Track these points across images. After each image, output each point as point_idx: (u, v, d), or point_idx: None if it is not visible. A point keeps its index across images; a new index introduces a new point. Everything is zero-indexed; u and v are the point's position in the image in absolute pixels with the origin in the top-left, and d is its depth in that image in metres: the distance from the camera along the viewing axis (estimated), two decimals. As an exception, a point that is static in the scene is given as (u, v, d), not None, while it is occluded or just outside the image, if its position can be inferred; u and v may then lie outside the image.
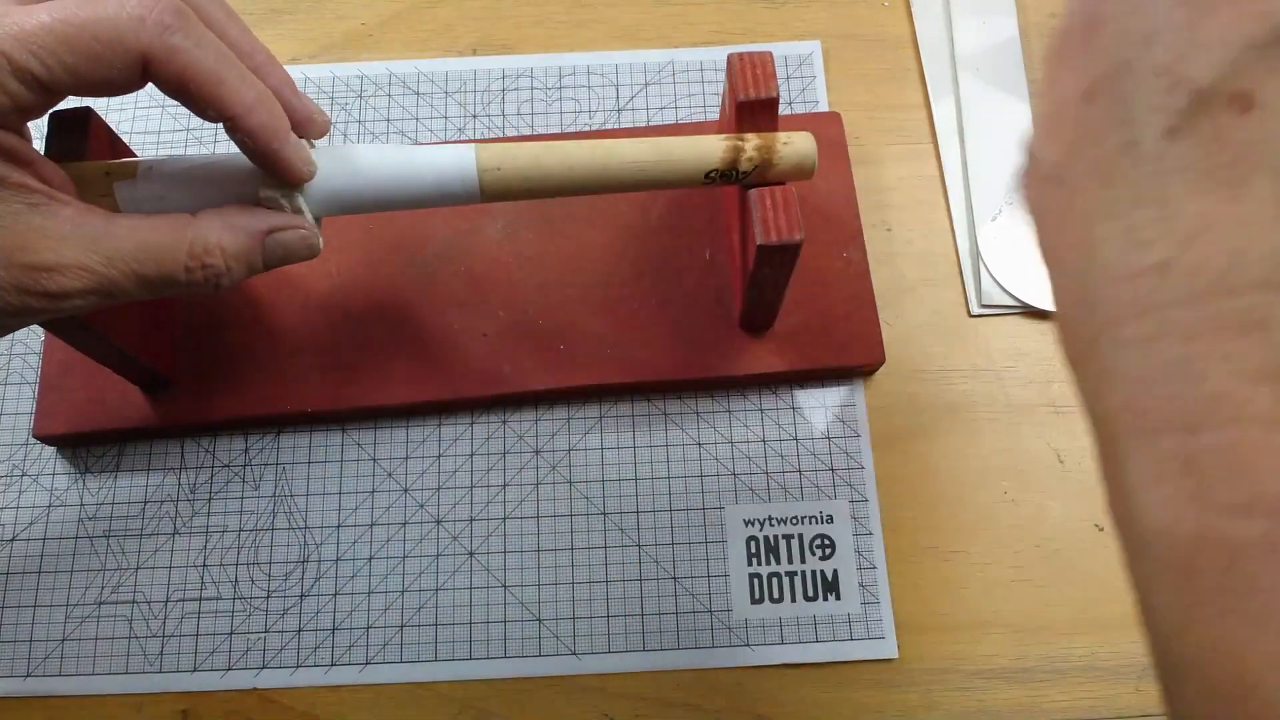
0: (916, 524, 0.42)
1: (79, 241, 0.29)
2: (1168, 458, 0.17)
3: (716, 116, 0.48)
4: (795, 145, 0.36)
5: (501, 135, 0.49)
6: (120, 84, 0.29)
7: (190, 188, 0.32)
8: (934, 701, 0.39)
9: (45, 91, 0.28)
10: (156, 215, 0.31)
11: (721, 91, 0.45)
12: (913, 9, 0.51)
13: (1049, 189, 0.20)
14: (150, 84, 0.30)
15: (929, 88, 0.49)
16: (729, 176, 0.36)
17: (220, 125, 0.31)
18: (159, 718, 0.40)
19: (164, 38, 0.28)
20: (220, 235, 0.31)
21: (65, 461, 0.43)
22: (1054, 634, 0.40)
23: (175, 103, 0.30)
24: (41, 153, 0.34)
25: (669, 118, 0.49)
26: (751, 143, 0.36)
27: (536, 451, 0.43)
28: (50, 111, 0.33)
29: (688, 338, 0.43)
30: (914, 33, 0.51)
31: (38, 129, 0.35)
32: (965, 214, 0.47)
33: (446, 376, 0.43)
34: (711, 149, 0.36)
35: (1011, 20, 0.51)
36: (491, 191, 0.35)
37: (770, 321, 0.43)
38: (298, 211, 0.33)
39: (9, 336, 0.45)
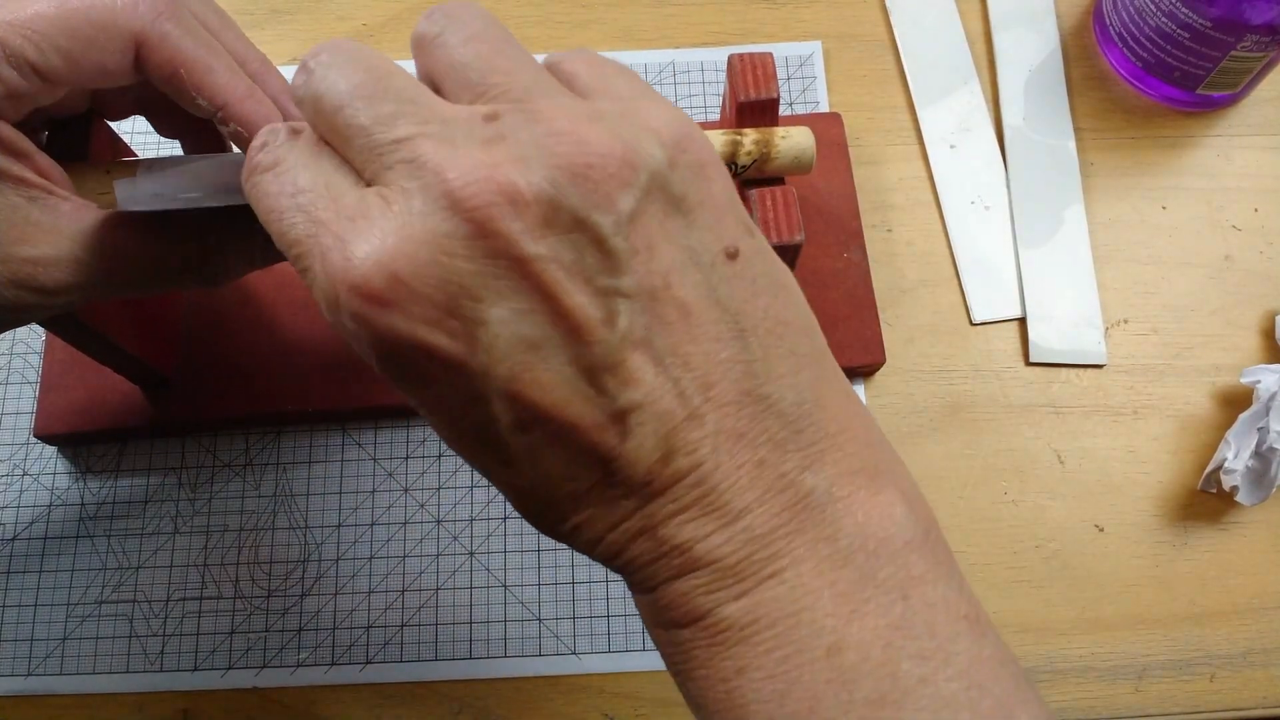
0: (916, 524, 0.42)
1: (77, 236, 0.29)
2: None
3: (717, 117, 0.48)
4: (793, 139, 0.36)
5: (502, 135, 0.48)
6: (114, 71, 0.29)
7: (189, 183, 0.32)
8: (934, 702, 0.39)
9: (40, 79, 0.28)
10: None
11: (722, 92, 0.45)
12: (891, 16, 0.51)
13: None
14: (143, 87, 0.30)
15: (914, 93, 0.49)
16: (728, 171, 0.36)
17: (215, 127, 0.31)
18: (160, 717, 0.40)
19: (157, 23, 0.29)
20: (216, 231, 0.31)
21: (66, 461, 0.43)
22: (1053, 634, 0.40)
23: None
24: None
25: (669, 118, 0.49)
26: (750, 137, 0.36)
27: (537, 451, 0.43)
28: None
29: (688, 338, 0.43)
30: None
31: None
32: (1010, 241, 0.46)
33: (447, 376, 0.43)
34: (710, 143, 0.36)
35: (1052, 28, 0.51)
36: None
37: (770, 322, 0.43)
38: None
39: (10, 336, 0.45)
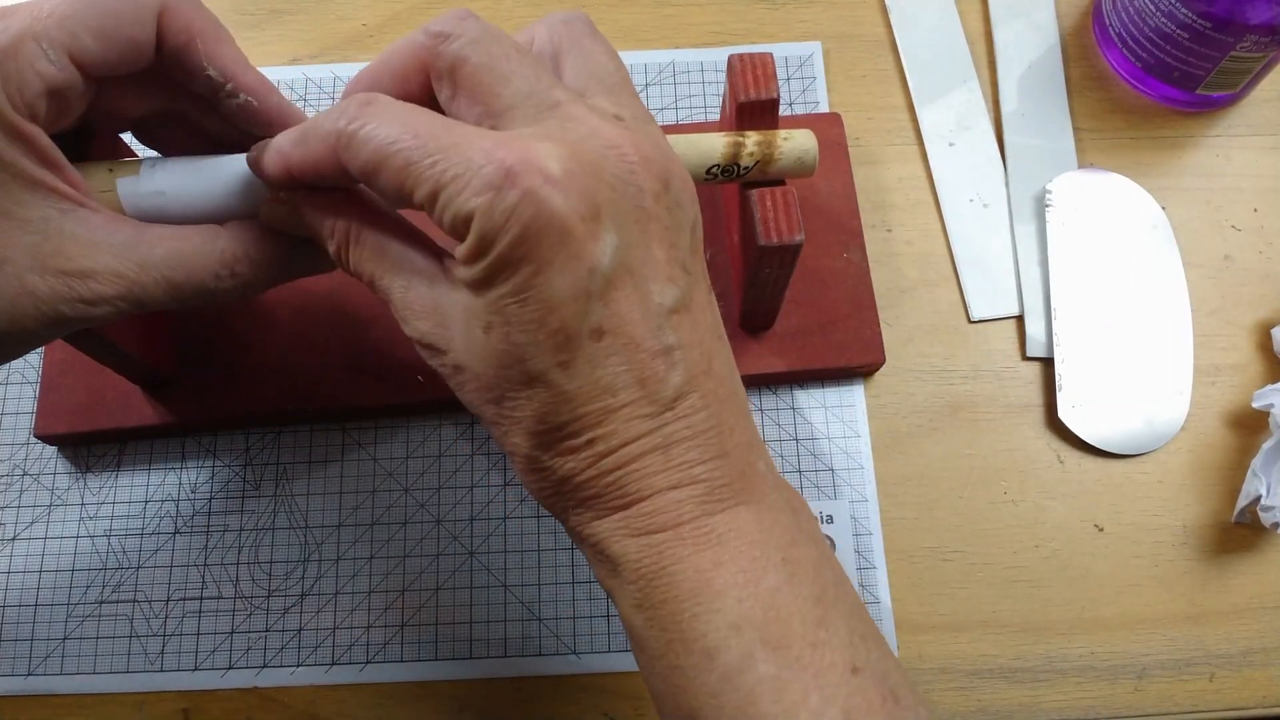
0: (916, 524, 0.42)
1: (112, 248, 0.29)
2: None
3: (718, 117, 0.48)
4: (796, 140, 0.36)
5: (502, 135, 0.48)
6: (142, 44, 0.29)
7: (190, 182, 0.32)
8: (934, 701, 0.39)
9: (76, 66, 0.28)
10: (185, 225, 0.31)
11: (722, 92, 0.45)
12: (891, 16, 0.51)
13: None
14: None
15: (913, 92, 0.49)
16: (730, 173, 0.36)
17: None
18: (160, 716, 0.40)
19: None
20: (249, 246, 0.31)
21: (66, 461, 0.43)
22: (1053, 634, 0.40)
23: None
24: None
25: (670, 119, 0.49)
26: (752, 138, 0.36)
27: (537, 451, 0.43)
28: None
29: (688, 338, 0.43)
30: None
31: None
32: (1008, 238, 0.46)
33: (447, 376, 0.43)
34: (713, 145, 0.36)
35: (1052, 27, 0.51)
36: None
37: (770, 322, 0.43)
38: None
39: (10, 336, 0.45)
